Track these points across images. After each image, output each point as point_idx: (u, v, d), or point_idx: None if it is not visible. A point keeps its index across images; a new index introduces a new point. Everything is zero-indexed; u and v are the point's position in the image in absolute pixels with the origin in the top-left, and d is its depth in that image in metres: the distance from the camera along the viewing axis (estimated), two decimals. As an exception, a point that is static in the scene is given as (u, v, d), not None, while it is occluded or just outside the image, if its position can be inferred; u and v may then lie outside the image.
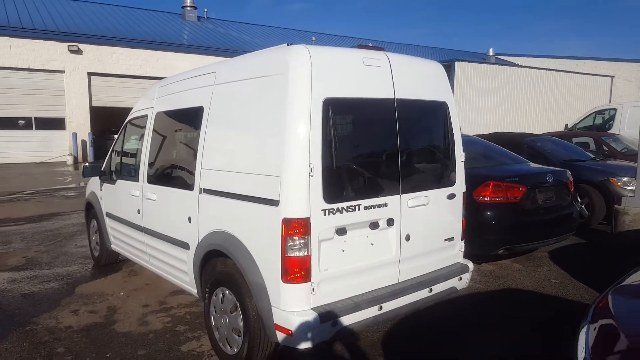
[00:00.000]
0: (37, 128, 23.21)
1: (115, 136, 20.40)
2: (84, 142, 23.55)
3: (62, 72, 23.24)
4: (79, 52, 23.37)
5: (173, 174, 4.56)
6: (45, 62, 22.75)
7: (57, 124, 23.50)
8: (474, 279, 5.53)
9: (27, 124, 22.92)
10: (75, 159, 22.87)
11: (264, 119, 3.30)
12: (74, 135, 23.12)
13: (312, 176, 3.07)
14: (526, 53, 43.11)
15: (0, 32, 21.82)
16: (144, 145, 4.82)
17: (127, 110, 21.79)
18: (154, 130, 4.78)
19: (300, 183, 3.06)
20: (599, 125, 16.05)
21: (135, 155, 5.14)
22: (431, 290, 3.83)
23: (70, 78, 23.39)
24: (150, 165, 4.74)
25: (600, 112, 16.47)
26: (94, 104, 24.19)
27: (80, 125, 23.57)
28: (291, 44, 3.34)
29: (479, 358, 3.90)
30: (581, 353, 1.72)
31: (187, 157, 4.22)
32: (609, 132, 14.23)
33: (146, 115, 4.95)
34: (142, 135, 4.93)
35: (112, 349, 4.02)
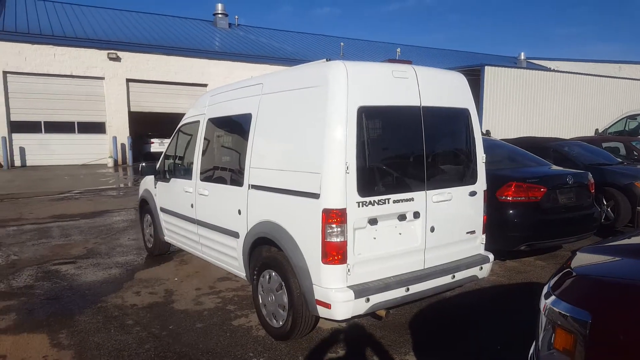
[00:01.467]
0: (79, 132, 24.47)
1: (152, 139, 21.40)
2: (123, 145, 24.72)
3: (102, 78, 24.51)
4: (117, 59, 24.58)
5: (224, 172, 5.18)
6: (87, 69, 24.02)
7: (98, 128, 24.77)
8: (497, 274, 5.98)
9: (70, 128, 24.17)
10: (115, 162, 24.05)
11: (306, 124, 3.87)
12: (114, 138, 24.30)
13: (348, 173, 3.62)
14: (559, 57, 42.87)
15: (45, 40, 23.18)
16: (197, 147, 5.45)
17: (163, 115, 22.95)
18: (205, 133, 5.41)
19: (338, 179, 3.61)
20: (631, 130, 16.05)
21: (188, 156, 5.78)
22: (454, 277, 4.31)
23: (110, 84, 24.62)
24: (203, 164, 5.37)
25: (632, 117, 16.47)
26: (132, 109, 25.37)
27: (119, 129, 24.75)
28: (330, 60, 3.90)
29: (498, 340, 4.33)
30: (545, 289, 2.31)
31: (236, 157, 4.84)
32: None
33: (198, 121, 5.58)
34: (195, 138, 5.55)
35: (173, 322, 4.66)
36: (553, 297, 2.19)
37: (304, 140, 3.87)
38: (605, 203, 8.57)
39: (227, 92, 5.22)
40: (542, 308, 2.27)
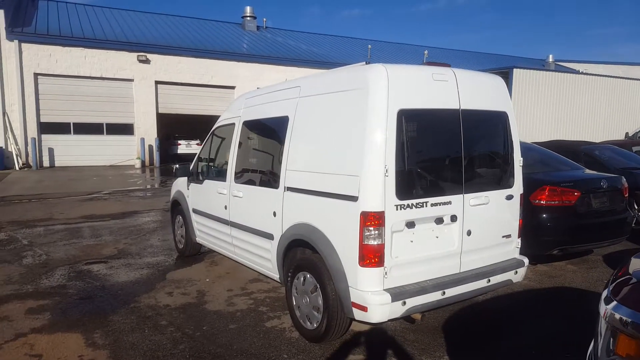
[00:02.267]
0: (108, 133, 24.90)
1: (179, 141, 21.64)
2: (150, 146, 25.06)
3: (131, 80, 24.88)
4: (147, 61, 24.92)
5: (259, 174, 5.21)
6: (117, 71, 24.43)
7: (126, 129, 25.15)
8: (529, 278, 5.89)
9: (99, 129, 24.61)
10: (143, 163, 24.40)
11: (345, 127, 3.87)
12: (142, 140, 24.65)
13: (387, 176, 3.60)
14: (588, 59, 42.21)
15: (76, 43, 23.62)
16: (232, 149, 5.49)
17: (191, 117, 23.11)
18: (241, 136, 5.45)
19: (376, 182, 3.59)
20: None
21: (223, 158, 5.83)
22: (489, 280, 4.27)
23: (139, 86, 24.99)
24: (238, 166, 5.40)
25: (664, 120, 16.18)
26: (160, 111, 25.70)
27: (147, 130, 25.09)
28: (369, 63, 3.90)
29: (531, 344, 4.27)
30: (604, 294, 2.28)
31: (272, 160, 4.86)
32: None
33: (233, 124, 5.62)
34: (230, 141, 5.59)
35: (207, 323, 4.69)
36: (614, 303, 2.17)
37: (343, 143, 3.86)
38: (636, 207, 8.41)
39: (263, 95, 5.25)
40: (602, 313, 2.25)
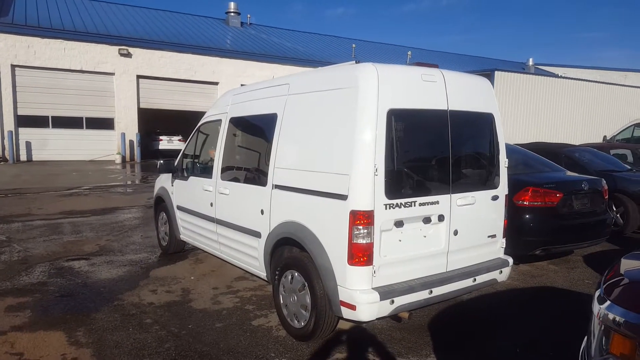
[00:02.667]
0: (87, 127, 24.47)
1: (161, 137, 21.28)
2: (131, 141, 24.75)
3: (112, 74, 24.49)
4: (128, 55, 24.56)
5: (246, 171, 5.18)
6: (97, 65, 24.00)
7: (106, 124, 24.75)
8: (512, 277, 5.96)
9: (78, 123, 24.15)
10: (123, 158, 24.06)
11: (335, 125, 3.86)
12: (123, 135, 24.30)
13: (376, 175, 3.61)
14: (567, 63, 43.00)
15: (55, 35, 23.17)
16: (219, 146, 5.43)
17: (173, 112, 22.77)
18: (227, 132, 5.40)
19: (366, 181, 3.60)
20: (638, 138, 16.10)
21: (208, 154, 5.77)
22: (475, 280, 4.32)
23: (120, 80, 24.61)
24: (224, 163, 5.35)
25: (639, 125, 16.52)
26: (141, 106, 25.36)
27: (128, 125, 24.75)
28: (359, 62, 3.90)
29: (515, 342, 4.33)
30: (597, 293, 2.35)
31: (260, 157, 4.83)
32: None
33: (220, 120, 5.57)
34: (216, 137, 5.54)
35: (192, 322, 4.65)
36: (608, 303, 2.22)
37: (332, 142, 3.86)
38: (614, 209, 8.61)
39: (251, 91, 5.22)
40: (595, 313, 2.29)
